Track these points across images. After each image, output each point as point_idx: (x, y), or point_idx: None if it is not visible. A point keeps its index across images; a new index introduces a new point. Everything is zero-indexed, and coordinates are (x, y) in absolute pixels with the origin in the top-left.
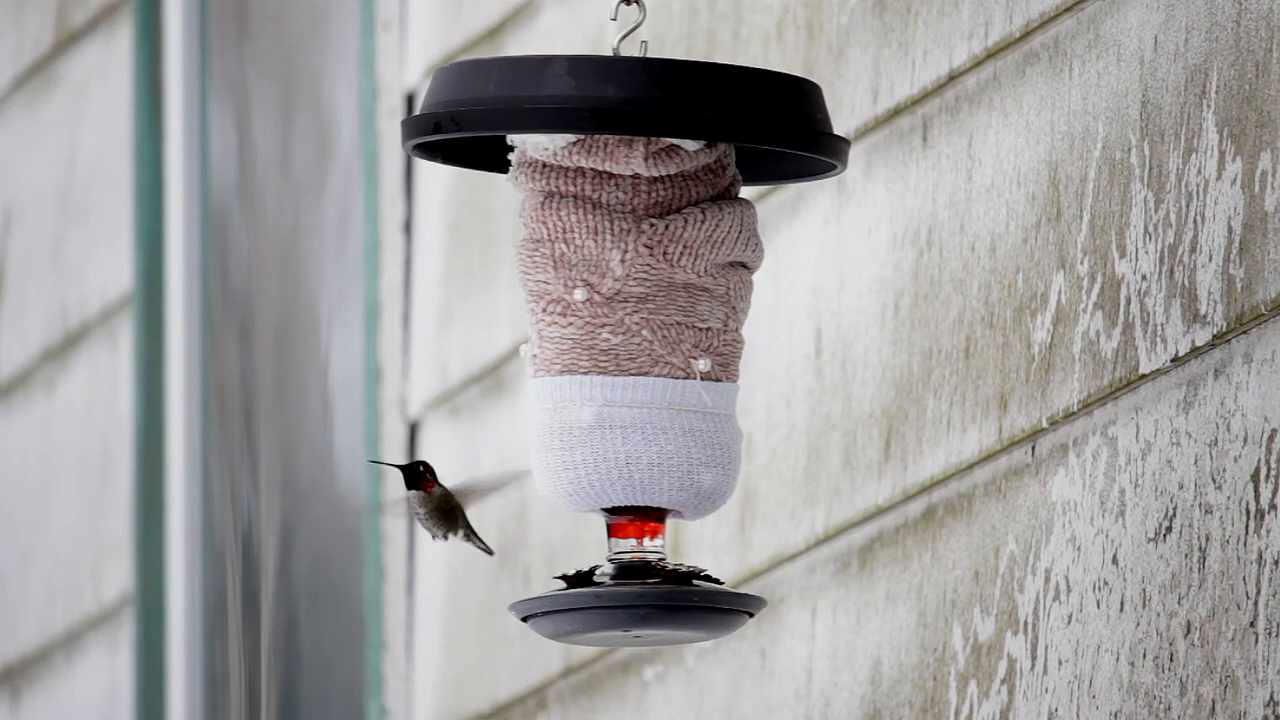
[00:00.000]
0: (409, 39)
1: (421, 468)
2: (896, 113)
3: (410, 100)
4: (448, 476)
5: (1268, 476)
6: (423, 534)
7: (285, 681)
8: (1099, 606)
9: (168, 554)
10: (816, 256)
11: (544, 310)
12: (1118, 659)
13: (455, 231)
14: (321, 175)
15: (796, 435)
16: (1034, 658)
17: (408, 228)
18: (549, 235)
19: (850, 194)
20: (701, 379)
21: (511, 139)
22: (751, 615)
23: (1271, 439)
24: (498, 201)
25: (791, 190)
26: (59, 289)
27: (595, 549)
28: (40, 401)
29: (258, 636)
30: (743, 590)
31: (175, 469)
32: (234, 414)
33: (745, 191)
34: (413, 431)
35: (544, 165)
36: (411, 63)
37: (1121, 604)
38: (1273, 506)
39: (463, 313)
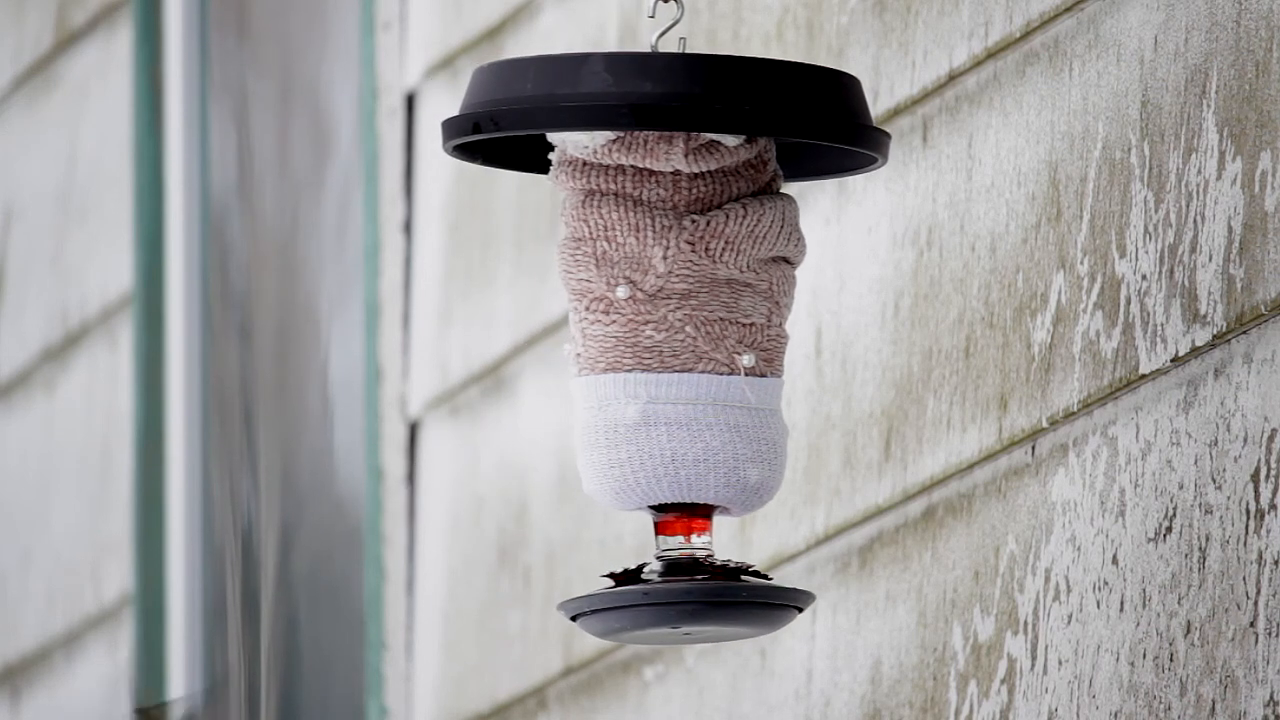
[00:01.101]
0: (409, 39)
1: None
2: (896, 113)
3: (410, 100)
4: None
5: (1268, 476)
6: (422, 534)
7: (285, 681)
8: (1099, 606)
9: (168, 554)
10: (816, 256)
11: (587, 309)
12: (1118, 659)
13: (455, 231)
14: (321, 175)
15: (796, 435)
16: (1034, 658)
17: (408, 228)
18: (590, 233)
19: (850, 194)
20: (746, 374)
21: (551, 137)
22: (801, 610)
23: (1271, 439)
24: (498, 201)
25: (792, 189)
26: (59, 289)
27: (596, 549)
28: (40, 401)
29: (258, 636)
30: (791, 586)
31: (175, 469)
32: (234, 414)
33: (787, 186)
34: (413, 431)
35: (584, 163)
36: (411, 63)
37: (1121, 604)
38: (1273, 506)
39: (463, 313)
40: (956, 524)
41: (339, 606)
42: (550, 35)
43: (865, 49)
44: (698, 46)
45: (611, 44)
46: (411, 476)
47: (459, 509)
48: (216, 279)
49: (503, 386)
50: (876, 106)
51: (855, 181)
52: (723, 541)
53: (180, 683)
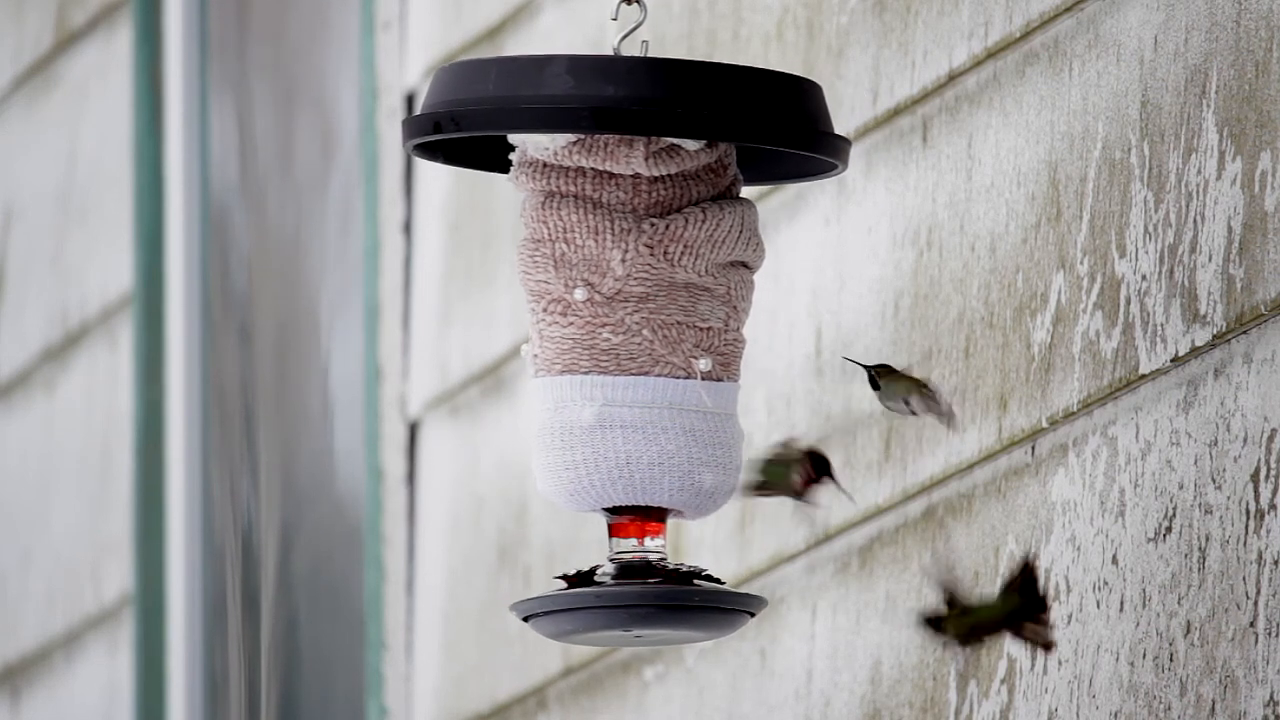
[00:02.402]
0: (409, 39)
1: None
2: (896, 113)
3: (410, 100)
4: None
5: (1268, 476)
6: (422, 534)
7: (285, 681)
8: (1099, 606)
9: (168, 554)
10: (816, 256)
11: (544, 310)
12: (1118, 659)
13: (455, 231)
14: (322, 175)
15: (796, 435)
16: (1034, 658)
17: (408, 228)
18: (549, 235)
19: (850, 194)
20: (702, 378)
21: (512, 139)
22: (752, 615)
23: (1271, 439)
24: (498, 201)
25: (791, 190)
26: (59, 289)
27: (595, 549)
28: (40, 401)
29: (258, 636)
30: (743, 590)
31: (175, 469)
32: (234, 414)
33: (746, 191)
34: (413, 431)
35: (544, 165)
36: (411, 63)
37: (1121, 604)
38: (1273, 506)
39: (463, 313)
40: (956, 524)
41: (339, 606)
42: (550, 35)
43: (865, 49)
44: (698, 47)
45: (611, 44)
46: (411, 476)
47: (459, 509)
48: (216, 279)
49: (503, 386)
50: (876, 106)
51: (855, 182)
52: (722, 542)
53: (180, 683)
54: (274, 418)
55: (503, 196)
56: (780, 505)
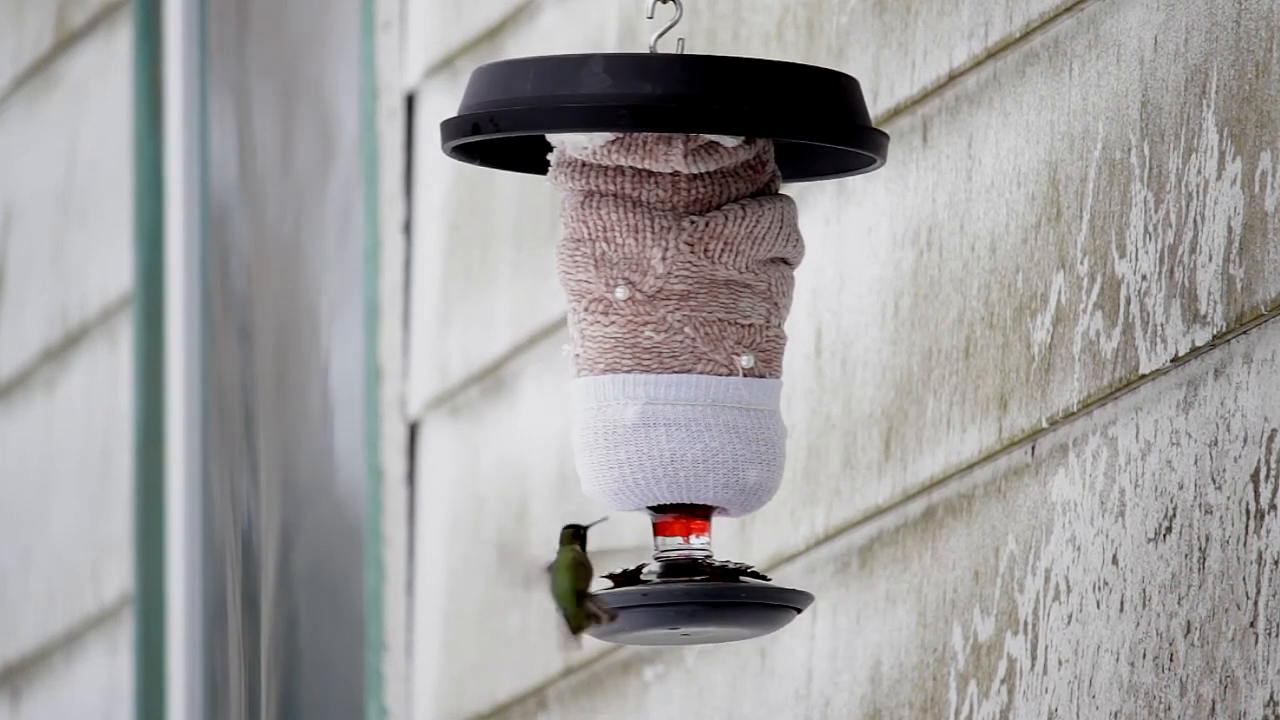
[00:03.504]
0: (409, 39)
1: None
2: (896, 113)
3: (410, 100)
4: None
5: (1268, 476)
6: (422, 534)
7: (285, 681)
8: (1099, 606)
9: (168, 554)
10: (816, 256)
11: (586, 309)
12: (1118, 659)
13: (455, 231)
14: (322, 175)
15: (796, 435)
16: (1034, 658)
17: (408, 228)
18: (589, 234)
19: (850, 194)
20: (744, 375)
21: (550, 138)
22: (799, 611)
23: (1271, 439)
24: (497, 201)
25: (792, 190)
26: (59, 289)
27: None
28: (40, 401)
29: (258, 636)
30: (790, 587)
31: (175, 469)
32: (234, 414)
33: (785, 187)
34: (413, 431)
35: (583, 164)
36: (411, 63)
37: (1121, 604)
38: (1273, 506)
39: (463, 313)
40: (956, 524)
41: (339, 606)
42: (550, 35)
43: (865, 49)
44: (697, 47)
45: (611, 44)
46: (411, 476)
47: (459, 509)
48: (216, 279)
49: (503, 386)
50: (876, 106)
51: (855, 182)
52: (722, 542)
53: (180, 683)
54: (274, 418)
55: (503, 196)
56: (780, 505)
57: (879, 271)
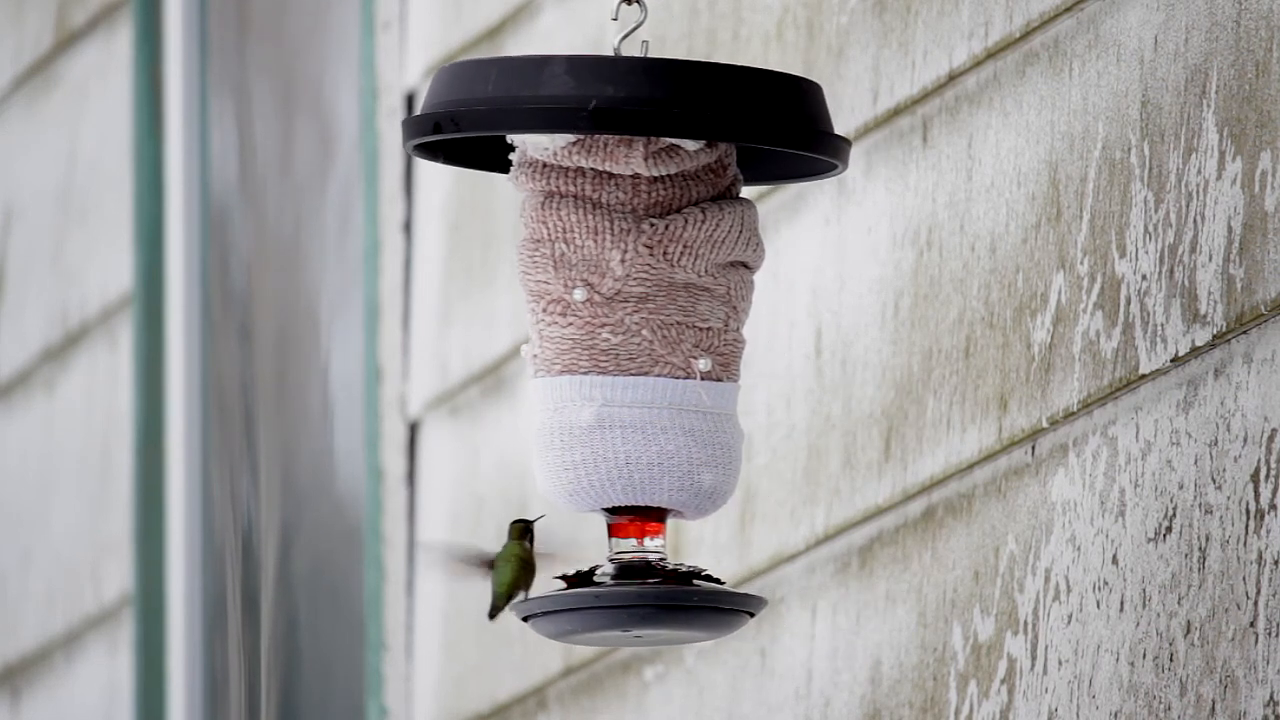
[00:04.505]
0: (409, 39)
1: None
2: (896, 113)
3: (410, 100)
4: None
5: (1268, 476)
6: (422, 534)
7: (285, 681)
8: (1099, 606)
9: (168, 554)
10: (816, 256)
11: (544, 310)
12: (1118, 659)
13: (455, 231)
14: (322, 175)
15: (796, 435)
16: (1034, 658)
17: (408, 228)
18: (549, 235)
19: (850, 194)
20: (702, 379)
21: (512, 139)
22: (752, 615)
23: (1271, 439)
24: (498, 201)
25: (792, 190)
26: (59, 289)
27: (595, 549)
28: (40, 401)
29: (258, 636)
30: (743, 590)
31: (175, 469)
32: (234, 414)
33: (746, 191)
34: (413, 431)
35: (544, 165)
36: (411, 63)
37: (1121, 604)
38: (1273, 506)
39: (463, 313)
40: (956, 524)
41: (339, 606)
42: (550, 35)
43: (865, 49)
44: (697, 47)
45: (611, 44)
46: (411, 476)
47: (459, 509)
48: (216, 279)
49: (503, 386)
50: (876, 106)
51: (855, 181)
52: (722, 542)
53: (180, 683)
54: (274, 418)
55: (503, 196)
56: (780, 505)
57: (879, 271)
